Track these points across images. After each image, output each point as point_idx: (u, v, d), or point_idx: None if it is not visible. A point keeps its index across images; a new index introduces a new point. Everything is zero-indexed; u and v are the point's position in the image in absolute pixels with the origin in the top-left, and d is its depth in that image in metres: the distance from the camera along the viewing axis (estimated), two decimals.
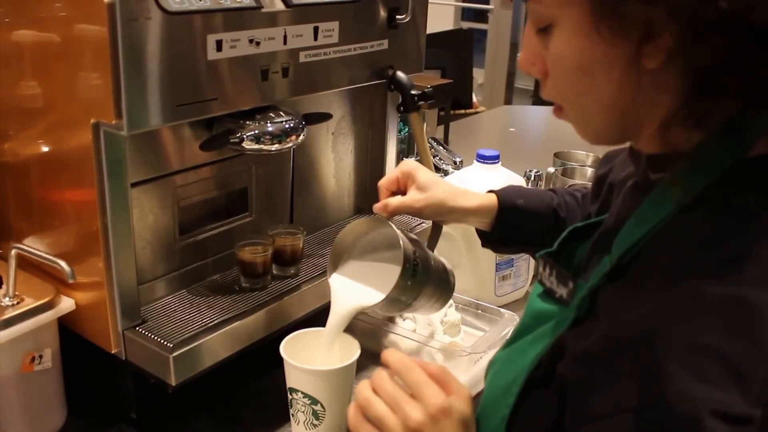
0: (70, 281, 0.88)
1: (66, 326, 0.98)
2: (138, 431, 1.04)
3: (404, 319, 1.29)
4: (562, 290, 0.70)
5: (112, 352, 0.94)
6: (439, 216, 1.04)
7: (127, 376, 0.99)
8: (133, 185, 0.92)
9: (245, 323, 0.98)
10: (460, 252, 1.42)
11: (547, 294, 0.72)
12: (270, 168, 1.15)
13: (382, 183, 1.03)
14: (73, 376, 1.04)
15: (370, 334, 1.26)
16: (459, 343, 1.24)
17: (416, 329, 1.25)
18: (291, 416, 1.00)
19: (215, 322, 0.97)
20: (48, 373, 0.97)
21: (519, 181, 1.44)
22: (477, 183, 1.38)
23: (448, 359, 1.21)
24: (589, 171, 1.82)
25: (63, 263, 0.88)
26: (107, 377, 1.04)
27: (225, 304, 1.01)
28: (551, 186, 1.81)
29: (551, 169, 1.85)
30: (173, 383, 0.91)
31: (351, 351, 0.99)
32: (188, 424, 1.07)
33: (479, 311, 1.32)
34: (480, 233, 1.07)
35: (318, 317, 1.30)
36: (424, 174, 1.00)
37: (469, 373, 1.21)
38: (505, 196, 1.03)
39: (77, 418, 1.05)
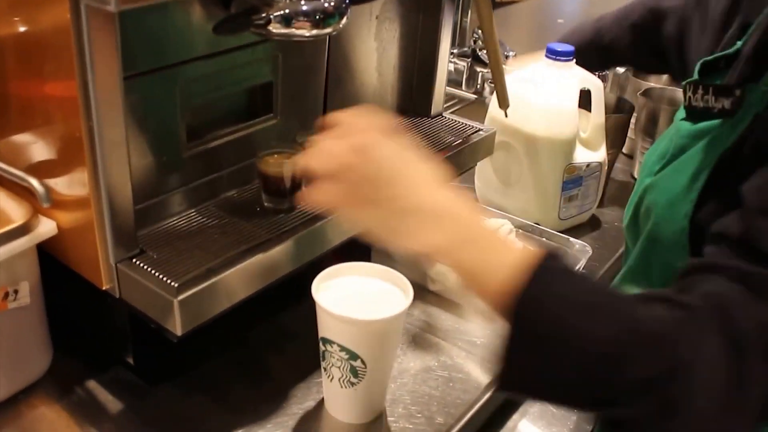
0: (45, 205, 0.70)
1: (49, 253, 0.82)
2: (137, 376, 0.89)
3: None
4: (722, 102, 0.77)
5: (104, 288, 0.77)
6: None
7: (122, 315, 0.83)
8: (127, 78, 0.72)
9: (269, 255, 0.80)
10: (521, 165, 1.23)
11: (702, 114, 0.81)
12: (300, 59, 0.94)
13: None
14: (59, 313, 0.88)
15: (412, 263, 1.09)
16: None
17: None
18: (322, 370, 0.84)
19: (231, 253, 0.79)
20: (26, 311, 0.81)
21: (597, 84, 1.23)
22: (548, 84, 1.17)
23: None
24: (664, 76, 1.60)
25: (35, 182, 0.70)
26: (99, 316, 0.88)
27: (243, 229, 0.83)
28: (617, 93, 1.59)
29: (620, 69, 1.63)
30: (179, 333, 0.74)
31: (401, 294, 0.82)
32: (196, 370, 0.92)
33: (543, 238, 1.15)
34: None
35: (358, 247, 1.13)
36: None
37: None
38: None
39: (65, 361, 0.91)
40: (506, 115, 1.07)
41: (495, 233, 0.67)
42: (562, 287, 0.61)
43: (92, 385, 0.88)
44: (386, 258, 1.11)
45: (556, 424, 0.98)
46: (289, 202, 0.87)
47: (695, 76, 0.85)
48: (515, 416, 0.99)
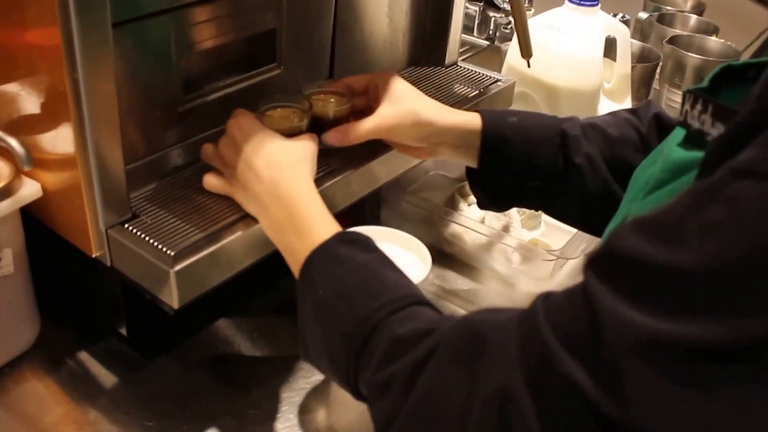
0: (26, 167, 0.63)
1: (35, 218, 0.75)
2: (132, 348, 0.84)
3: (469, 205, 1.05)
4: (719, 129, 0.55)
5: (93, 256, 0.71)
6: (414, 136, 0.80)
7: (114, 284, 0.77)
8: (116, 25, 0.65)
9: None
10: None
11: (695, 138, 0.57)
12: (306, 4, 0.86)
13: (352, 82, 0.84)
14: (47, 281, 0.82)
15: (425, 223, 1.03)
16: (542, 241, 1.00)
17: (485, 219, 1.02)
18: None
19: (233, 217, 0.73)
20: (10, 280, 0.75)
21: (623, 31, 1.15)
22: (570, 32, 1.10)
23: (527, 261, 0.98)
24: (693, 18, 1.51)
25: (14, 142, 0.63)
26: (90, 284, 0.82)
27: None
28: (640, 41, 1.51)
29: (643, 15, 1.54)
30: (175, 306, 0.68)
31: (418, 262, 0.76)
32: (195, 339, 0.86)
33: None
34: (472, 185, 0.85)
35: (371, 211, 1.06)
36: (402, 84, 0.81)
37: (552, 281, 0.98)
38: (491, 112, 0.82)
39: (54, 332, 0.85)
40: (529, 65, 0.99)
41: (319, 216, 0.67)
42: (329, 273, 0.62)
43: (84, 357, 0.83)
44: (397, 217, 1.05)
45: None
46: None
47: (705, 82, 0.61)
48: None
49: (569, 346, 0.42)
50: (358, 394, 0.59)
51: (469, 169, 0.83)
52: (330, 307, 0.60)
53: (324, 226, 0.66)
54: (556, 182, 0.79)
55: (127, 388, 0.80)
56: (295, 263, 0.65)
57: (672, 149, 0.60)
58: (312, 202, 0.68)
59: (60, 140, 0.67)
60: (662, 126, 0.78)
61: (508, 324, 0.48)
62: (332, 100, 0.83)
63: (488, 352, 0.47)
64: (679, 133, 0.59)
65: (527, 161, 0.79)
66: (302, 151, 0.72)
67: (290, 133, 0.75)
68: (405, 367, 0.52)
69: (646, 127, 0.79)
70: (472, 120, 0.80)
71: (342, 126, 0.79)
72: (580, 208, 0.80)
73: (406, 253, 0.77)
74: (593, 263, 0.44)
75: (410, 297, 0.59)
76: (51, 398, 0.79)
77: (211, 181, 0.74)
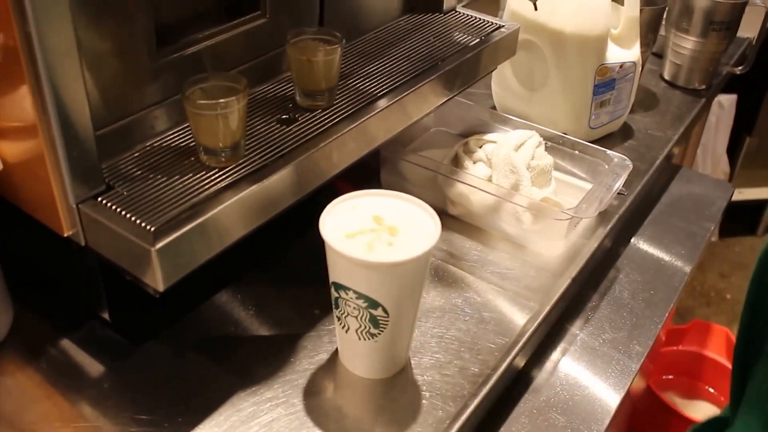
0: None
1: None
2: (117, 333, 0.76)
3: (475, 162, 0.96)
4: None
5: (65, 235, 0.62)
6: None
7: (92, 265, 0.69)
8: None
9: (267, 186, 0.66)
10: (546, 67, 1.07)
11: None
12: None
13: None
14: (18, 264, 0.74)
15: (429, 183, 0.94)
16: (553, 200, 0.92)
17: (493, 177, 0.93)
18: (335, 319, 0.70)
19: (220, 184, 0.64)
20: None
21: None
22: None
23: (539, 221, 0.90)
24: None
25: None
26: (65, 266, 0.74)
27: None
28: None
29: None
30: (160, 288, 0.59)
31: (426, 227, 0.67)
32: (186, 321, 0.78)
33: (576, 152, 1.00)
34: None
35: (366, 170, 0.98)
36: None
37: (566, 242, 0.91)
38: None
39: (31, 319, 0.77)
40: (536, 8, 0.90)
41: None
42: None
43: (65, 345, 0.75)
44: (397, 178, 0.97)
45: (598, 362, 0.86)
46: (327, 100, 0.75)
47: None
48: (554, 355, 0.87)
49: None
50: None
51: None
52: None
53: None
54: None
55: (114, 377, 0.72)
56: None
57: None
58: None
59: (17, 105, 0.58)
60: None
61: None
62: (320, 48, 0.74)
63: None
64: None
65: None
66: None
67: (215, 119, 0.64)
68: None
69: None
70: None
71: None
72: None
73: (417, 210, 0.69)
74: None
75: None
76: (35, 391, 0.70)
77: None
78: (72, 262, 0.71)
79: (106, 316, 0.73)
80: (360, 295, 0.65)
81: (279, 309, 0.80)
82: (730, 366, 1.73)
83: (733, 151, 2.49)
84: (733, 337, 1.71)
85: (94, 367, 0.73)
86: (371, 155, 0.81)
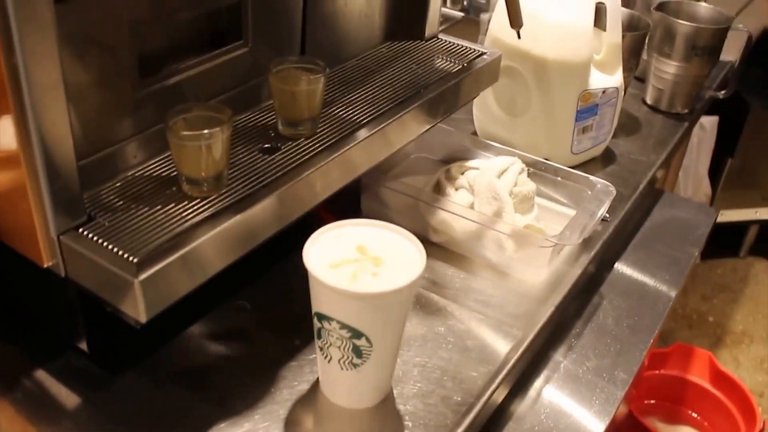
0: None
1: None
2: (94, 363, 0.76)
3: (457, 189, 0.98)
4: None
5: (45, 266, 0.63)
6: None
7: (71, 297, 0.69)
8: (59, 0, 0.57)
9: (246, 217, 0.67)
10: (528, 93, 1.09)
11: None
12: None
13: None
14: None
15: (410, 211, 0.96)
16: (536, 227, 0.94)
17: (476, 204, 0.95)
18: (317, 349, 0.71)
19: (203, 215, 0.65)
20: None
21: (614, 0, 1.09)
22: (556, 1, 1.04)
23: (522, 249, 0.92)
24: None
25: None
26: (43, 296, 0.74)
27: None
28: (624, 2, 1.45)
29: None
30: (142, 319, 0.60)
31: (413, 250, 0.69)
32: (165, 351, 0.79)
33: (559, 178, 1.02)
34: None
35: (349, 200, 0.99)
36: None
37: (550, 269, 0.93)
38: None
39: (6, 349, 0.77)
40: (519, 36, 0.93)
41: None
42: None
43: (41, 376, 0.75)
44: (379, 205, 0.98)
45: (582, 390, 0.88)
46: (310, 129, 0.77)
47: None
48: (538, 383, 0.89)
49: None
50: None
51: None
52: None
53: None
54: None
55: (91, 408, 0.73)
56: None
57: None
58: None
59: (1, 135, 0.59)
60: None
61: None
62: (302, 77, 0.76)
63: None
64: None
65: None
66: None
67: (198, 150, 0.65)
68: None
69: None
70: None
71: None
72: None
73: (402, 240, 0.70)
74: None
75: None
76: (9, 424, 0.71)
77: None
78: (50, 293, 0.72)
79: (83, 346, 0.73)
80: (344, 326, 0.66)
81: (259, 339, 0.81)
82: (712, 390, 1.76)
83: (714, 172, 2.54)
84: (716, 361, 1.74)
85: (70, 398, 0.74)
86: (353, 183, 0.82)
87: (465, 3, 1.59)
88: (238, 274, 0.72)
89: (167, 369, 0.77)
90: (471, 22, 1.53)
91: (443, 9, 1.57)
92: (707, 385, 1.78)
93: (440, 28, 1.03)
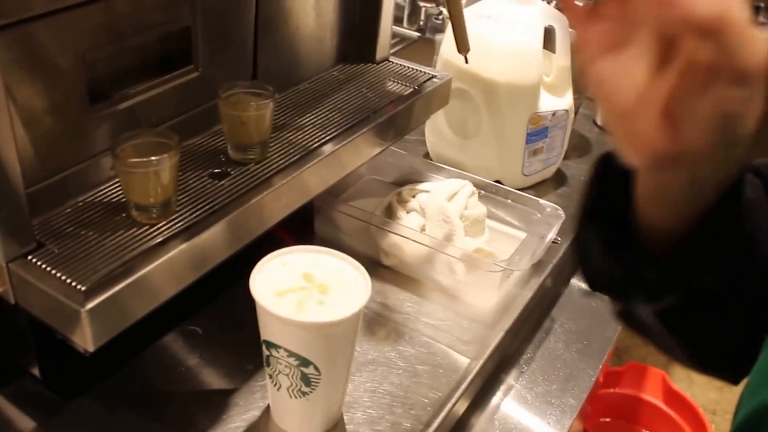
0: None
1: None
2: (47, 388, 0.77)
3: (408, 212, 1.01)
4: None
5: None
6: None
7: (22, 323, 0.71)
8: (3, 28, 0.59)
9: (196, 244, 0.69)
10: (479, 116, 1.13)
11: None
12: None
13: None
14: None
15: (362, 234, 0.99)
16: (487, 250, 0.97)
17: (427, 227, 0.98)
18: (267, 377, 0.74)
19: (153, 242, 0.67)
20: None
21: (562, 20, 1.13)
22: (508, 22, 1.08)
23: (472, 272, 0.95)
24: None
25: None
26: None
27: None
28: None
29: (578, 2, 1.53)
30: (90, 348, 0.62)
31: (357, 285, 0.72)
32: (118, 375, 0.80)
33: (509, 200, 1.05)
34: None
35: (300, 219, 1.01)
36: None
37: (500, 292, 0.96)
38: None
39: None
40: (466, 61, 0.96)
41: None
42: None
43: None
44: (331, 228, 1.01)
45: (533, 415, 0.91)
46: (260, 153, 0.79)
47: None
48: (489, 408, 0.91)
49: None
50: None
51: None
52: None
53: None
54: None
55: None
56: None
57: None
58: None
59: None
60: None
61: None
62: (252, 102, 0.78)
63: None
64: None
65: None
66: None
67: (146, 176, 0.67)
68: None
69: None
70: None
71: None
72: None
73: (348, 267, 0.73)
74: None
75: None
76: None
77: None
78: (1, 319, 0.73)
79: (36, 372, 0.75)
80: (291, 354, 0.68)
81: (211, 363, 0.83)
82: (665, 409, 1.81)
83: None
84: (669, 380, 1.80)
85: (24, 423, 0.75)
86: (306, 206, 0.85)
87: (421, 23, 1.63)
88: (189, 299, 0.74)
89: (120, 394, 0.78)
90: (427, 42, 1.57)
91: (400, 29, 1.61)
92: (660, 404, 1.83)
93: (395, 49, 1.07)
